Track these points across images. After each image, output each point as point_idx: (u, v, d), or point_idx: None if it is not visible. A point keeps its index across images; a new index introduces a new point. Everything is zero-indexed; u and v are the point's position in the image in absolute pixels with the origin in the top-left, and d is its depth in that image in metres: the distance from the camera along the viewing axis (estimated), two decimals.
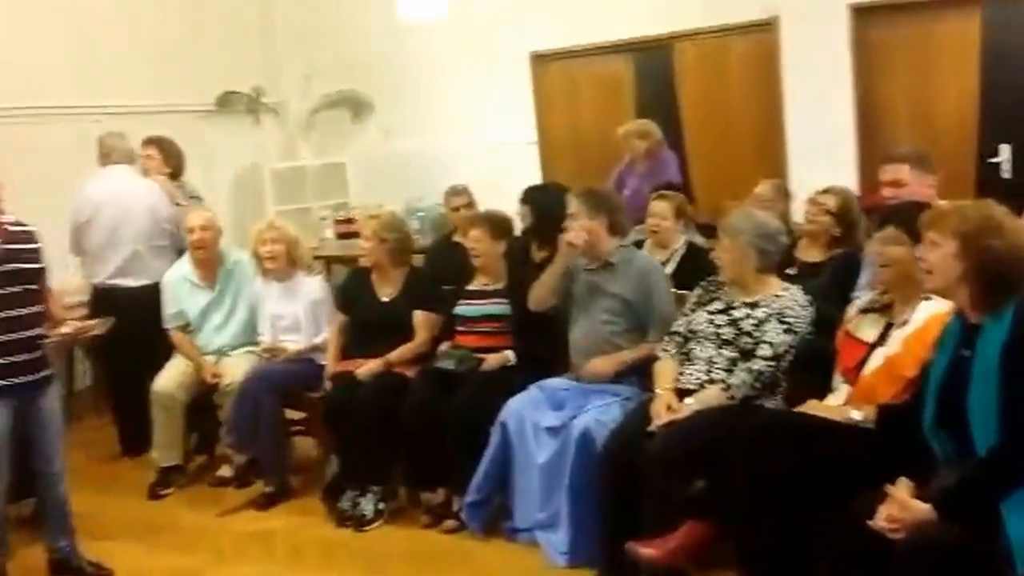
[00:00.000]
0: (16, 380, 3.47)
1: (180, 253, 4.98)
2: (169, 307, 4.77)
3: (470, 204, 5.39)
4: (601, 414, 3.52)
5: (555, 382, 3.79)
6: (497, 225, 4.26)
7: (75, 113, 6.00)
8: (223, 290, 4.79)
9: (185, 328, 4.78)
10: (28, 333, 3.49)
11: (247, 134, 7.35)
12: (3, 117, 5.51)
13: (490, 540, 3.81)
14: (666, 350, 3.55)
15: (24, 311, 3.48)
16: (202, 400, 4.73)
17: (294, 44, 7.65)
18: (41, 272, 3.59)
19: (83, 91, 6.17)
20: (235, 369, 4.55)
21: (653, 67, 6.77)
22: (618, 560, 3.23)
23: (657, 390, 3.43)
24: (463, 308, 4.20)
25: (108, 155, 5.16)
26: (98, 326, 3.81)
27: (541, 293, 3.88)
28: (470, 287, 4.25)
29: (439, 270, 4.84)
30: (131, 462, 5.03)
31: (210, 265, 4.77)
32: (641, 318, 3.72)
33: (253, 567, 3.86)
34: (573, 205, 3.76)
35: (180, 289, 4.77)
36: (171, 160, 5.32)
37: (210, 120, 6.95)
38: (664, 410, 3.30)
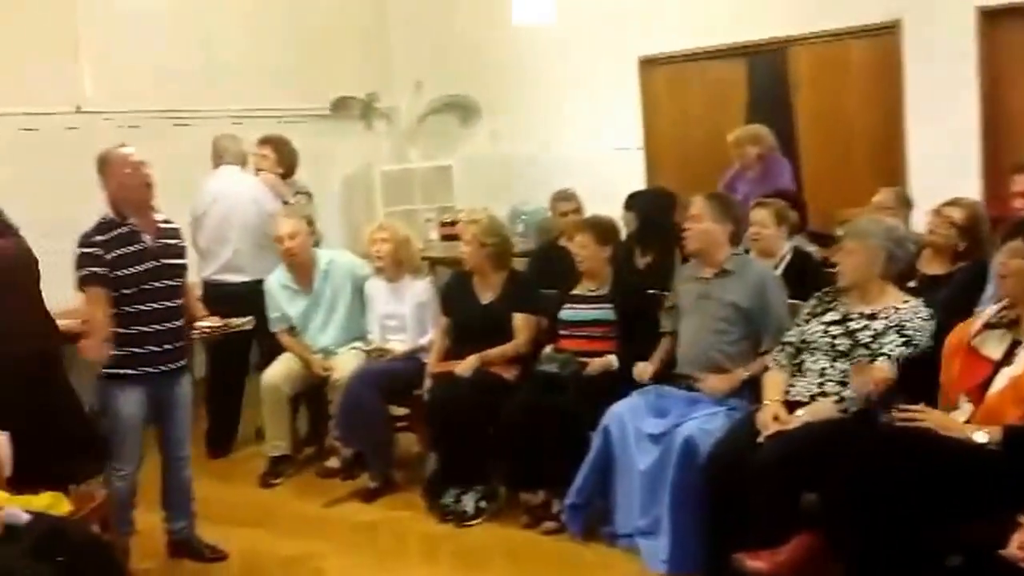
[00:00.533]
0: (159, 368, 3.68)
1: None
2: (272, 311, 4.90)
3: (577, 209, 5.38)
4: (706, 423, 3.49)
5: (659, 388, 3.78)
6: (603, 231, 4.25)
7: (203, 117, 6.28)
8: (320, 292, 4.88)
9: (291, 331, 4.92)
10: (172, 325, 3.69)
11: (359, 138, 7.54)
12: (142, 119, 5.77)
13: (589, 544, 3.81)
14: (776, 360, 3.49)
15: (170, 304, 3.68)
16: (310, 393, 4.87)
17: (407, 52, 7.81)
18: (185, 268, 3.80)
19: (211, 96, 6.45)
20: (345, 364, 4.67)
21: (766, 71, 6.65)
22: (722, 570, 3.19)
23: (765, 401, 3.38)
24: (567, 312, 4.21)
25: (221, 156, 5.36)
26: (245, 323, 4.00)
27: None
28: (575, 291, 4.25)
29: (544, 274, 4.87)
30: (245, 451, 5.20)
31: (304, 269, 4.87)
32: (755, 327, 3.68)
33: (359, 556, 3.95)
34: (698, 207, 3.73)
35: (280, 295, 4.90)
36: (284, 159, 5.47)
37: (325, 124, 7.15)
38: (772, 421, 3.26)
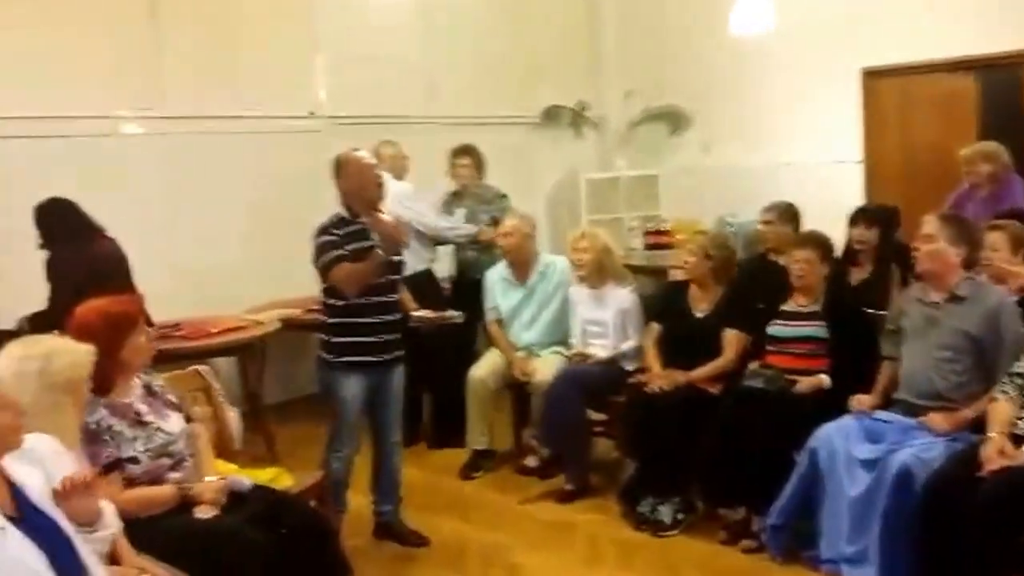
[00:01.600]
0: (380, 357, 3.90)
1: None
2: (488, 301, 5.11)
3: (792, 222, 5.23)
4: (923, 451, 3.33)
5: (873, 412, 3.63)
6: (826, 247, 4.15)
7: (423, 123, 6.59)
8: (533, 290, 5.03)
9: (500, 323, 5.08)
10: (391, 317, 3.91)
11: (568, 146, 7.70)
12: (367, 124, 6.11)
13: (790, 565, 3.71)
14: (1004, 391, 3.28)
15: (391, 298, 3.91)
16: (514, 391, 5.01)
17: (619, 62, 7.91)
18: (403, 265, 4.04)
19: (431, 104, 6.77)
20: (544, 368, 4.76)
21: (1001, 86, 6.28)
22: None
23: (990, 433, 3.18)
24: (777, 329, 4.11)
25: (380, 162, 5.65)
26: (457, 316, 4.19)
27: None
28: (785, 307, 4.15)
29: (751, 287, 4.78)
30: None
31: (522, 266, 5.04)
32: (986, 357, 3.46)
33: (555, 555, 4.01)
34: (932, 226, 3.57)
35: (497, 287, 5.10)
36: (480, 165, 5.82)
37: (536, 132, 7.35)
38: (996, 455, 3.07)
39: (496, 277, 5.13)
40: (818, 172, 6.68)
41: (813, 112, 6.84)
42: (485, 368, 4.95)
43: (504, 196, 5.86)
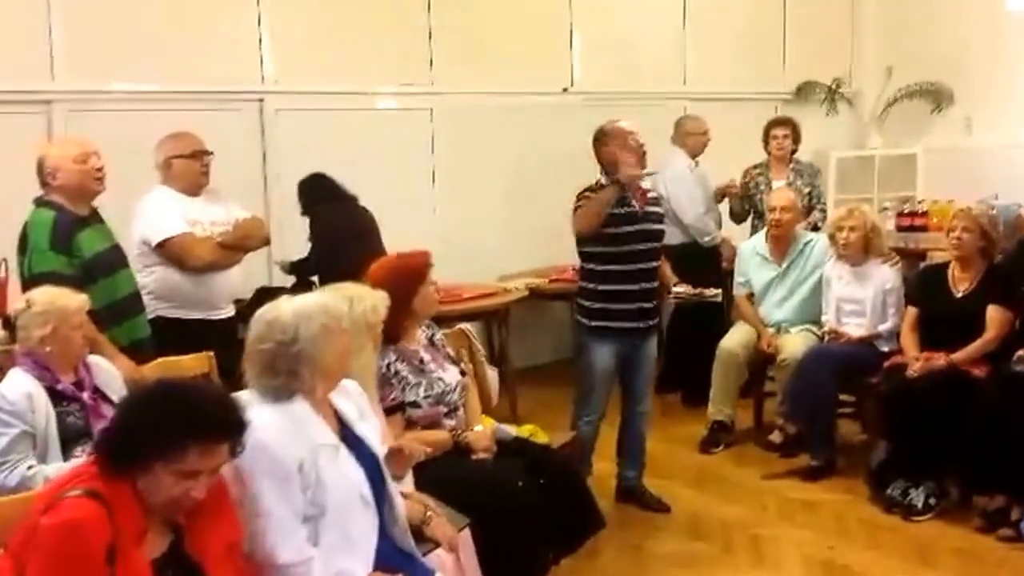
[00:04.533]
0: (635, 324, 4.01)
1: None
2: (738, 275, 5.12)
3: None
4: None
5: None
6: None
7: (673, 98, 6.67)
8: (789, 268, 4.98)
9: (750, 297, 5.09)
10: (648, 285, 4.01)
11: (820, 122, 7.50)
12: (618, 100, 6.24)
13: None
14: None
15: (649, 266, 4.00)
16: (760, 366, 5.01)
17: (880, 36, 7.64)
18: (663, 234, 4.12)
19: (677, 78, 6.83)
20: (793, 345, 4.74)
21: None
22: None
23: None
24: None
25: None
26: (717, 294, 4.25)
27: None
28: None
29: (1016, 266, 4.53)
30: (686, 418, 5.39)
31: (782, 243, 5.00)
32: None
33: (801, 531, 4.02)
34: None
35: (751, 261, 5.09)
36: (798, 138, 5.73)
37: (788, 108, 7.21)
38: None
39: (751, 250, 5.11)
40: None
41: None
42: (735, 339, 4.96)
43: (819, 172, 5.82)
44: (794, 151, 5.72)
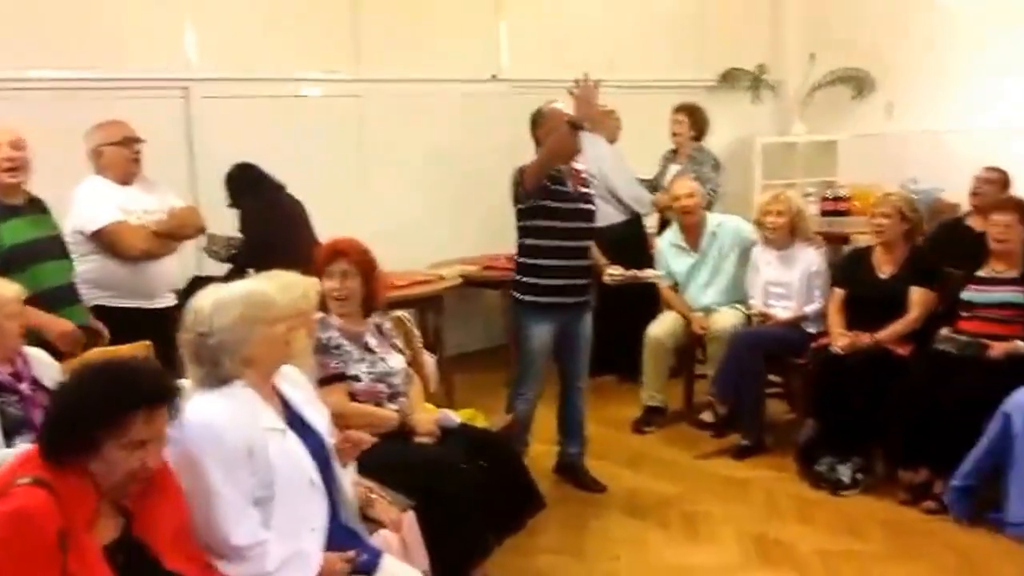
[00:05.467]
0: (570, 299, 4.08)
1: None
2: (659, 268, 5.14)
3: (1005, 186, 5.03)
4: None
5: None
6: None
7: (603, 86, 6.67)
8: (706, 252, 5.09)
9: (675, 288, 5.18)
10: (582, 263, 4.08)
11: (744, 109, 7.64)
12: (544, 88, 6.12)
13: (973, 528, 3.73)
14: None
15: (582, 244, 4.07)
16: (688, 349, 5.12)
17: (803, 23, 7.79)
18: (595, 214, 4.17)
19: (604, 66, 6.85)
20: (722, 320, 4.86)
21: None
22: None
23: None
24: (971, 294, 4.08)
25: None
26: (653, 276, 4.32)
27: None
28: (980, 273, 4.11)
29: (938, 248, 4.71)
30: (620, 400, 5.46)
31: (694, 229, 5.11)
32: None
33: (731, 506, 4.14)
34: None
35: (669, 252, 5.18)
36: (697, 124, 5.87)
37: (712, 95, 7.31)
38: None
39: (667, 243, 5.21)
40: (1009, 138, 6.41)
41: (1009, 74, 6.57)
42: (663, 328, 5.06)
43: (718, 165, 5.89)
44: (694, 137, 5.86)
